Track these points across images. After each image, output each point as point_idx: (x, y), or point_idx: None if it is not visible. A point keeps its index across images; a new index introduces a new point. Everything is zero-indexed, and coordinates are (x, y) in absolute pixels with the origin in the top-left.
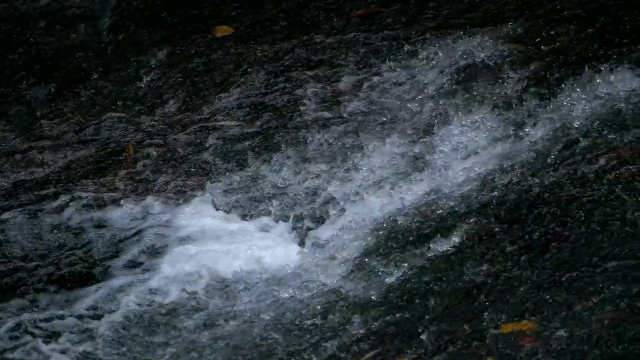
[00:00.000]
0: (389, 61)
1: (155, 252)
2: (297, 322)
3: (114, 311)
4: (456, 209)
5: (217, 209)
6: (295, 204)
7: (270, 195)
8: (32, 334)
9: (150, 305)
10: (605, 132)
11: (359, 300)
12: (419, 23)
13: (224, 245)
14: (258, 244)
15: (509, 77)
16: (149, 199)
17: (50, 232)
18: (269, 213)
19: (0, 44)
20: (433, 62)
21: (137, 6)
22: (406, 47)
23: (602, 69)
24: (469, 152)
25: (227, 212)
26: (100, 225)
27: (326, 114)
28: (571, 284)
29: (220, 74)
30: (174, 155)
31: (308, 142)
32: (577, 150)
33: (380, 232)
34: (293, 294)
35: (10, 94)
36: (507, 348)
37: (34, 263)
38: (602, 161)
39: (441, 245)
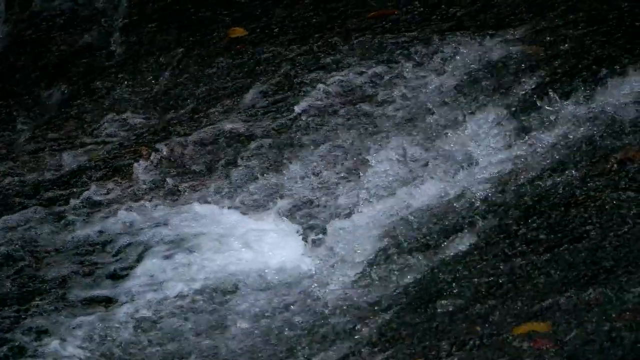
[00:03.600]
0: (402, 63)
1: (166, 251)
2: (307, 325)
3: (119, 312)
4: (468, 210)
5: (227, 210)
6: (306, 206)
7: (280, 197)
8: (42, 337)
9: (157, 306)
10: (619, 133)
11: (371, 302)
12: (433, 25)
13: (233, 246)
14: (267, 246)
15: (522, 79)
16: (161, 199)
17: (62, 232)
18: (279, 215)
19: (14, 44)
20: (446, 64)
21: (151, 7)
22: (419, 49)
23: (616, 70)
24: (481, 154)
25: (238, 213)
26: (112, 225)
27: (338, 115)
28: (585, 285)
29: (233, 75)
30: (187, 155)
31: (319, 143)
32: (591, 152)
33: (392, 234)
34: (303, 296)
35: (23, 94)
36: (521, 350)
37: (45, 263)
38: (616, 163)
39: (453, 247)
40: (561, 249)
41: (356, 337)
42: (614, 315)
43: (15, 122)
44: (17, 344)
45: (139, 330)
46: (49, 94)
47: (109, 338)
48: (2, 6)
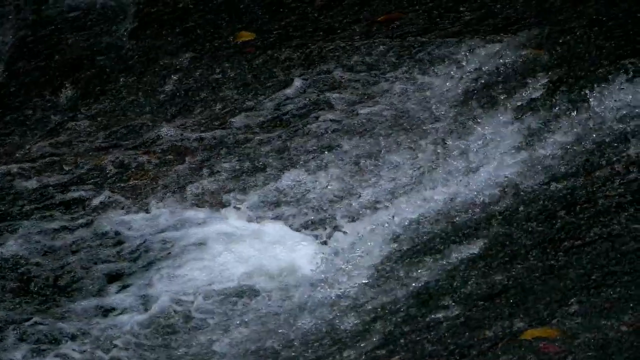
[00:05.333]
0: (410, 67)
1: (177, 255)
2: (318, 328)
3: (128, 315)
4: (478, 215)
5: (238, 214)
6: (317, 210)
7: (291, 201)
8: (52, 340)
9: (168, 309)
10: (627, 138)
11: (381, 306)
12: (440, 29)
13: (245, 250)
14: (275, 250)
15: (529, 83)
16: (169, 204)
17: (71, 236)
18: (290, 219)
19: (23, 49)
20: (454, 68)
21: (159, 12)
22: (427, 53)
23: (622, 74)
24: (490, 158)
25: (249, 217)
26: (120, 229)
27: (347, 120)
28: (593, 290)
29: (241, 79)
30: (195, 160)
31: (330, 147)
32: (599, 157)
33: (402, 238)
34: (314, 299)
35: (32, 99)
36: (529, 354)
37: (54, 267)
38: (623, 167)
39: (464, 251)
40: (570, 253)
41: (364, 341)
42: (623, 321)
43: (23, 126)
44: None
45: (142, 335)
46: (57, 98)
47: (118, 339)
48: (12, 10)
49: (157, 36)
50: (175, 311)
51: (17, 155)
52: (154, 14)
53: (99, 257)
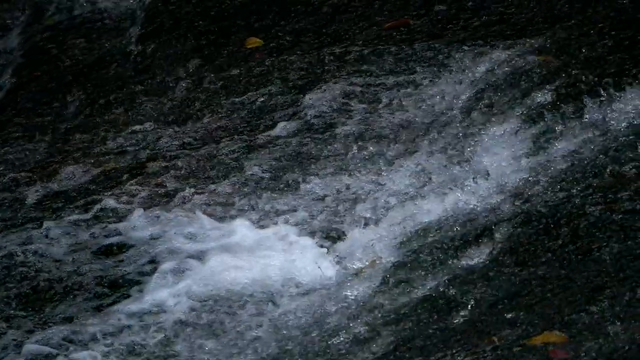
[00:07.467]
0: (419, 72)
1: (181, 263)
2: (325, 335)
3: (133, 325)
4: (486, 221)
5: (245, 221)
6: (324, 216)
7: (299, 206)
8: (69, 348)
9: (173, 319)
10: (637, 145)
11: (387, 312)
12: (450, 35)
13: (250, 256)
14: (286, 255)
15: (538, 89)
16: (177, 211)
17: (79, 243)
18: (298, 225)
19: (31, 56)
20: (463, 74)
21: (167, 18)
22: (436, 59)
23: (633, 81)
24: (499, 164)
25: (256, 223)
26: (128, 236)
27: (355, 126)
28: (603, 297)
29: (250, 85)
30: (203, 166)
31: (337, 153)
32: (608, 163)
33: (410, 244)
34: (321, 305)
35: (41, 105)
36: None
37: (63, 275)
38: (634, 174)
39: (471, 258)
40: (579, 260)
41: (372, 347)
42: (635, 327)
43: (31, 133)
44: None
45: (149, 345)
46: (65, 105)
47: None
48: (19, 18)
49: (165, 43)
50: (179, 322)
51: (24, 162)
52: (162, 20)
53: (100, 266)
